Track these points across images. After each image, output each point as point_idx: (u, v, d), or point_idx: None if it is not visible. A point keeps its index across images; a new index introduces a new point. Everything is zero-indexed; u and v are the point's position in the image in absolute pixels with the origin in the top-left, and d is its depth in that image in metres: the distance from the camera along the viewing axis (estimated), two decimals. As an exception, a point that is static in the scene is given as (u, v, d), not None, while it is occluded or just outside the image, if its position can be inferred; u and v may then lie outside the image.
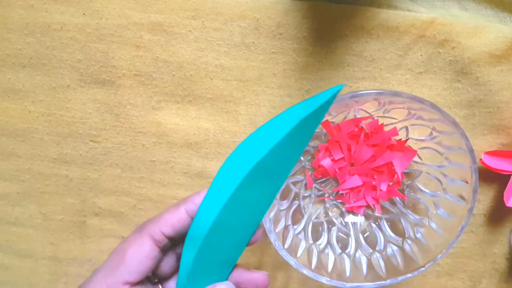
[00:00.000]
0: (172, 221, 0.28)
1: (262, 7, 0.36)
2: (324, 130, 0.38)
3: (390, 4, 0.36)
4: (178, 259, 0.30)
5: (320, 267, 0.35)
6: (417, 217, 0.38)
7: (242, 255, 0.41)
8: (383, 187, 0.38)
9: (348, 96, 0.31)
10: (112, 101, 0.39)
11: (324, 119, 0.37)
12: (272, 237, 0.33)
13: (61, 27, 0.37)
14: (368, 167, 0.38)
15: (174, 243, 0.29)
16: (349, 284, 0.33)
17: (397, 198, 0.39)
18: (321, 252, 0.37)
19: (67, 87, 0.39)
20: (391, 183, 0.39)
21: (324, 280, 0.34)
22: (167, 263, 0.29)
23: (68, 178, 0.41)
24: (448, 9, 0.37)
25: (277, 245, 0.33)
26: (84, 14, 0.37)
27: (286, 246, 0.35)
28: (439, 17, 0.36)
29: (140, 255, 0.27)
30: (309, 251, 0.36)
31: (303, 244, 0.37)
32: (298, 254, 0.35)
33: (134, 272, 0.27)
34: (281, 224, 0.36)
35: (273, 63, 0.38)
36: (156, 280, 0.30)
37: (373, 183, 0.39)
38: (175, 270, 0.30)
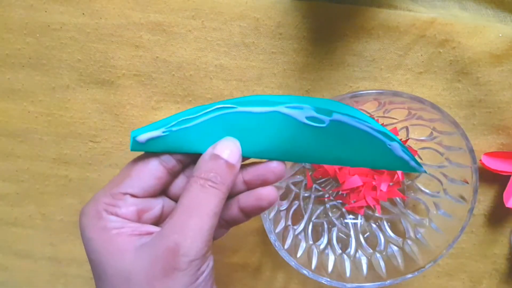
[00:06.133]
0: None
1: (262, 7, 0.36)
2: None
3: (390, 4, 0.36)
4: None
5: (321, 267, 0.35)
6: (418, 217, 0.38)
7: (242, 256, 0.41)
8: (383, 187, 0.38)
9: (348, 96, 0.31)
10: (112, 101, 0.39)
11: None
12: (272, 238, 0.33)
13: (61, 27, 0.37)
14: (368, 167, 0.38)
15: (184, 165, 0.29)
16: (349, 285, 0.33)
17: (398, 199, 0.39)
18: (321, 252, 0.37)
19: (66, 87, 0.38)
20: (391, 183, 0.39)
21: (324, 280, 0.34)
22: (177, 186, 0.29)
23: (67, 178, 0.40)
24: (449, 9, 0.37)
25: (277, 245, 0.33)
26: (83, 14, 0.37)
27: (286, 246, 0.35)
28: (439, 17, 0.36)
29: (144, 173, 0.27)
30: (309, 252, 0.36)
31: (303, 245, 0.37)
32: (298, 255, 0.35)
33: (137, 187, 0.27)
34: (281, 225, 0.36)
35: (273, 63, 0.38)
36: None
37: (373, 183, 0.38)
38: None
